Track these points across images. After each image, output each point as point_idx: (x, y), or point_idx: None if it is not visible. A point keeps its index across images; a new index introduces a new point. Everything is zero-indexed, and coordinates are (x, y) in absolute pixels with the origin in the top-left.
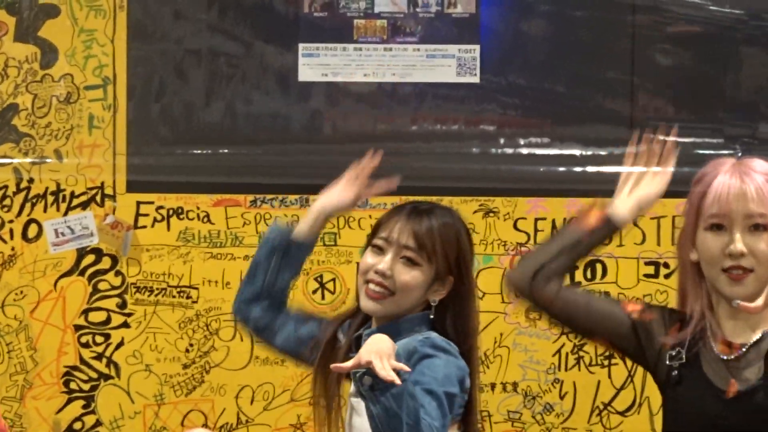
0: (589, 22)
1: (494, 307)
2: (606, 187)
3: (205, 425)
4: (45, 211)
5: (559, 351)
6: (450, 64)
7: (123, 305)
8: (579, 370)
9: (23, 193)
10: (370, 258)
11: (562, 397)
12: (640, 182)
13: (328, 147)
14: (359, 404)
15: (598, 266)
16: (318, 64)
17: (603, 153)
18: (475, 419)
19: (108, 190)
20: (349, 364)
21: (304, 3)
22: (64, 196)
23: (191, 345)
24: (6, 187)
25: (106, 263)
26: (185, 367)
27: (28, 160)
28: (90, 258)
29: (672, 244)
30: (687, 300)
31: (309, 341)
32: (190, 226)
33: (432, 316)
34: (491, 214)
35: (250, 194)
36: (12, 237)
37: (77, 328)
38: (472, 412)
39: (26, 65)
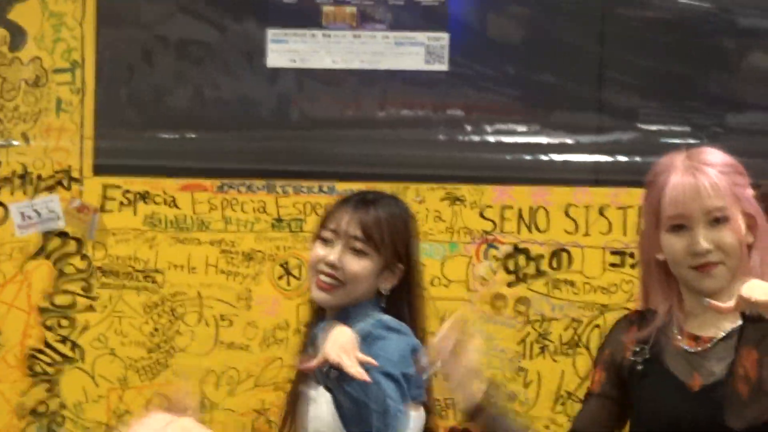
0: (558, 9)
1: (459, 294)
2: (572, 176)
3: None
4: (12, 194)
5: (524, 340)
6: (418, 52)
7: (88, 289)
8: (543, 358)
9: None
10: (319, 250)
11: (526, 386)
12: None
13: (295, 133)
14: (318, 395)
15: (564, 255)
16: (287, 50)
17: (570, 141)
18: (433, 400)
19: (75, 174)
20: (314, 363)
21: None
22: (30, 179)
23: (156, 329)
24: None
25: (72, 246)
26: (150, 351)
27: None
28: (56, 241)
29: (638, 234)
30: (649, 297)
31: None
32: (156, 210)
33: (383, 305)
34: (458, 202)
35: (217, 179)
36: None
37: (42, 311)
38: (430, 395)
39: None
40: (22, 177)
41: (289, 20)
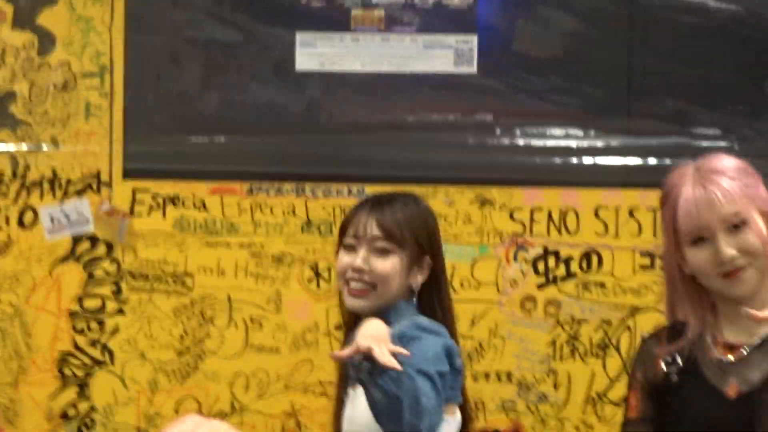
0: (587, 11)
1: (489, 296)
2: (601, 179)
3: (198, 412)
4: (41, 198)
5: (554, 341)
6: (447, 55)
7: (118, 292)
8: (574, 360)
9: (20, 180)
10: (344, 258)
11: (556, 387)
12: None
13: (324, 136)
14: (355, 395)
15: (594, 257)
16: (315, 53)
17: (600, 144)
18: (470, 406)
19: (104, 178)
20: (346, 351)
21: None
22: (60, 183)
23: (186, 332)
24: (2, 174)
25: (101, 250)
26: (180, 354)
27: (25, 147)
28: (86, 245)
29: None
30: (675, 311)
31: None
32: (185, 213)
33: (416, 299)
34: (487, 204)
35: (247, 182)
36: (8, 224)
37: (72, 314)
38: (465, 394)
39: (24, 53)
40: (52, 181)
41: (318, 24)
